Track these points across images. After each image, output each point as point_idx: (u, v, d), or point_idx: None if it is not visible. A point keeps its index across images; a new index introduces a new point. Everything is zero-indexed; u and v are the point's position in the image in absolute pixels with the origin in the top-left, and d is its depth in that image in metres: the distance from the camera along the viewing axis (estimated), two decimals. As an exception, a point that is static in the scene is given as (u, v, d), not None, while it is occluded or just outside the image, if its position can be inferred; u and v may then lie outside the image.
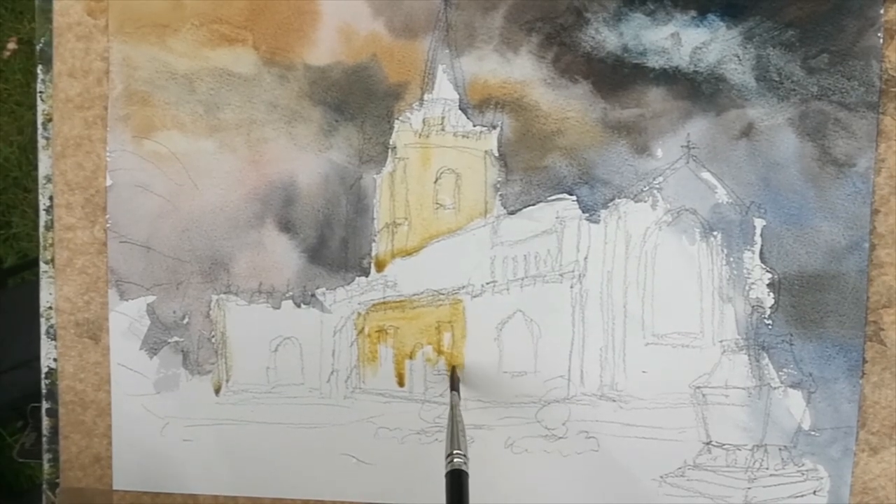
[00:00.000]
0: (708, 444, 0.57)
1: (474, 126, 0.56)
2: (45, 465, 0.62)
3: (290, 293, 0.59)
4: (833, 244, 0.55)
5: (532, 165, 0.56)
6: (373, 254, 0.58)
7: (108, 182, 0.59)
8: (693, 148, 0.55)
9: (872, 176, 0.54)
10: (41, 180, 0.60)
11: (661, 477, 0.58)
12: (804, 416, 0.56)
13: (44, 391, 0.61)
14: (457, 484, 0.46)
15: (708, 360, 0.57)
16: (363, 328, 0.59)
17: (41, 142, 0.59)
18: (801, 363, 0.56)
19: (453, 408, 0.53)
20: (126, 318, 0.60)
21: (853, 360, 0.55)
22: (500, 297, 0.57)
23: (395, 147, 0.57)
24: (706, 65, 0.55)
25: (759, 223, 0.55)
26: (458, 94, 0.56)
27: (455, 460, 0.47)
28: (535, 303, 0.57)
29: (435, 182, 0.57)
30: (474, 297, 0.58)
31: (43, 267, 0.60)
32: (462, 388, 0.58)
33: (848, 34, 0.53)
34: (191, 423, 0.60)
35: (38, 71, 0.59)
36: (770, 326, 0.56)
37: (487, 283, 0.57)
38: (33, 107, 0.62)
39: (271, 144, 0.58)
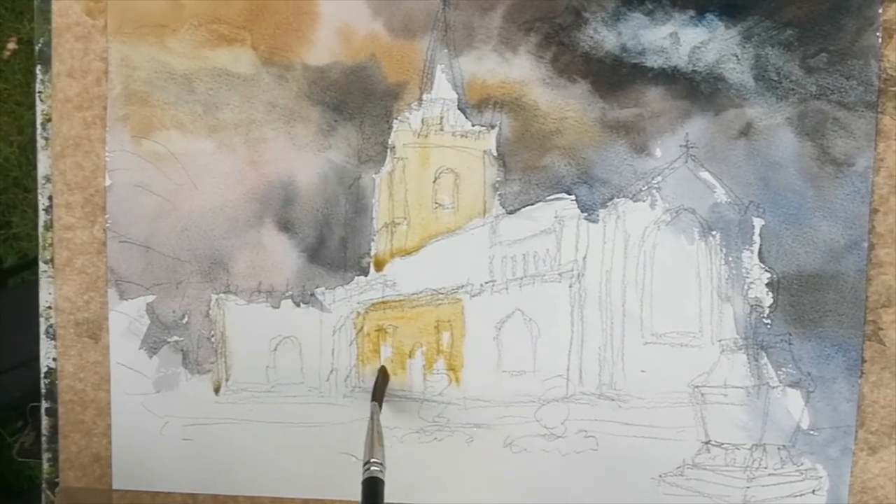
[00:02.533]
0: (707, 443, 0.57)
1: (473, 126, 0.57)
2: (45, 465, 0.63)
3: (290, 292, 0.59)
4: (832, 244, 0.55)
5: (531, 165, 0.56)
6: (372, 253, 0.58)
7: (108, 182, 0.59)
8: (692, 147, 0.55)
9: (871, 175, 0.54)
10: (40, 180, 0.60)
11: (660, 476, 0.58)
12: (803, 416, 0.56)
13: (43, 391, 0.61)
14: (372, 491, 0.48)
15: (707, 359, 0.57)
16: (362, 327, 0.59)
17: (40, 142, 0.59)
18: (800, 362, 0.56)
19: (372, 417, 0.53)
20: (126, 318, 0.60)
21: (852, 359, 0.55)
22: (499, 296, 0.57)
23: (393, 147, 0.57)
24: (705, 64, 0.55)
25: (757, 223, 0.55)
26: (457, 93, 0.56)
27: (372, 468, 0.49)
28: (533, 302, 0.57)
29: (434, 182, 0.57)
30: (473, 296, 0.58)
31: (42, 267, 0.60)
32: (462, 387, 0.58)
33: (847, 33, 0.53)
34: (190, 423, 0.60)
35: (37, 71, 0.59)
36: (769, 326, 0.56)
37: (486, 283, 0.57)
38: (33, 107, 0.62)
39: (270, 144, 0.58)
